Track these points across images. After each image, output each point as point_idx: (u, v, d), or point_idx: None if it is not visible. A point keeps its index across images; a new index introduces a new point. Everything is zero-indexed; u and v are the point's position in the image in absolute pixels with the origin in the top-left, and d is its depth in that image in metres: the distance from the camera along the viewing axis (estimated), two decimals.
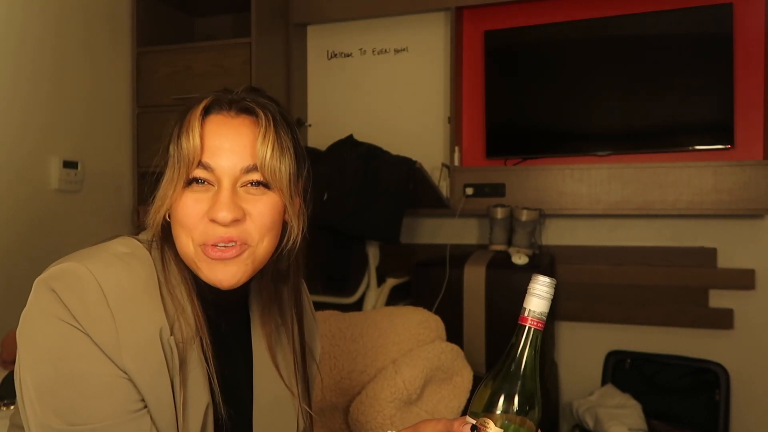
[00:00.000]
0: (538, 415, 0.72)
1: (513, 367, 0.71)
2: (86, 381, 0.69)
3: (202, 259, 0.75)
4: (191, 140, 0.74)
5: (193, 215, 0.75)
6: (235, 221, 0.74)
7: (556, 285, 0.74)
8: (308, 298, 1.02)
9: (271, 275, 0.86)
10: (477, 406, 0.72)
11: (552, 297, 0.74)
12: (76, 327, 0.69)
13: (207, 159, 0.75)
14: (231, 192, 0.75)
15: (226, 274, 0.75)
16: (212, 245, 0.74)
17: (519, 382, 0.71)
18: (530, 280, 0.74)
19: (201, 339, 0.77)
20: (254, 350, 0.88)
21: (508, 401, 0.70)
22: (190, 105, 0.78)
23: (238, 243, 0.75)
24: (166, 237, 0.79)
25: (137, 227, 0.85)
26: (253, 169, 0.76)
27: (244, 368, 0.87)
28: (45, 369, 0.69)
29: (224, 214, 0.73)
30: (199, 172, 0.75)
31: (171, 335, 0.73)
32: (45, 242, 2.19)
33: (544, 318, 0.73)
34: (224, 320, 0.84)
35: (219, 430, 0.80)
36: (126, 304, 0.71)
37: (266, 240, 0.78)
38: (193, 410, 0.76)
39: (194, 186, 0.76)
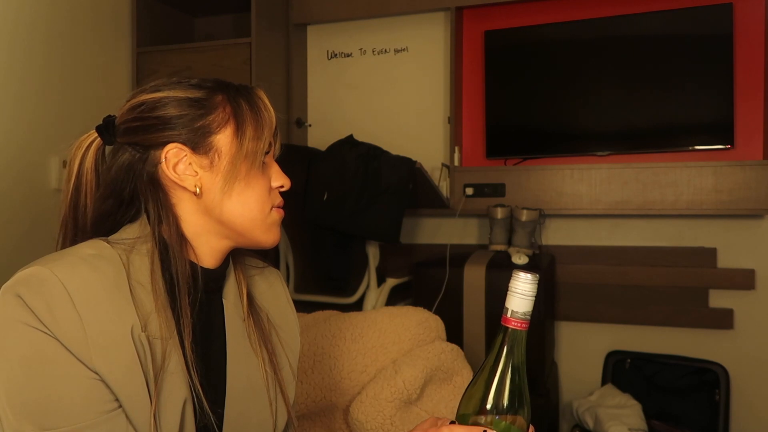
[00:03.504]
0: (528, 413, 0.70)
1: (500, 369, 0.69)
2: (57, 385, 0.69)
3: (276, 220, 0.87)
4: (270, 115, 0.84)
5: (267, 186, 0.85)
6: None
7: (539, 280, 0.69)
8: (284, 286, 1.02)
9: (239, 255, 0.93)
10: (466, 408, 0.71)
11: (535, 294, 0.69)
12: (43, 332, 0.69)
13: (271, 138, 0.86)
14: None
15: (278, 235, 0.88)
16: (279, 207, 0.87)
17: (507, 383, 0.69)
18: (511, 276, 0.69)
19: (181, 332, 0.77)
20: (228, 334, 0.88)
21: (497, 401, 0.69)
22: (238, 89, 0.84)
23: None
24: (166, 222, 0.80)
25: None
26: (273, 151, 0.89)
27: (221, 357, 0.87)
28: (15, 376, 0.69)
29: (289, 184, 0.88)
30: (269, 148, 0.85)
31: (143, 331, 0.73)
32: (45, 242, 2.19)
33: (528, 317, 0.69)
34: (205, 308, 0.85)
35: (198, 423, 0.79)
36: (93, 304, 0.71)
37: None
38: (171, 405, 0.76)
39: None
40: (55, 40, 2.29)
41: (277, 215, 0.86)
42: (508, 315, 0.68)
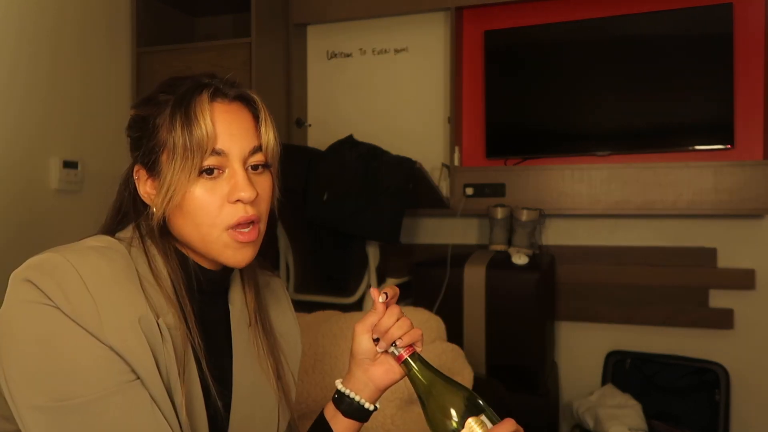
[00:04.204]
0: (470, 393, 0.79)
1: (425, 390, 0.81)
2: (71, 356, 0.68)
3: (229, 243, 0.79)
4: (204, 128, 0.76)
5: (214, 203, 0.78)
6: (254, 200, 0.79)
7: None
8: (286, 296, 1.02)
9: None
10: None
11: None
12: (56, 308, 0.69)
13: (220, 145, 0.78)
14: (245, 172, 0.79)
15: (246, 255, 0.80)
16: (239, 230, 0.79)
17: (438, 394, 0.79)
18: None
19: (189, 329, 0.78)
20: (233, 340, 0.88)
21: (458, 410, 0.77)
22: (183, 92, 0.79)
23: (255, 222, 0.80)
24: (151, 228, 0.81)
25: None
26: (257, 150, 0.81)
27: (227, 358, 0.87)
28: (31, 352, 0.68)
29: (249, 194, 0.77)
30: (211, 160, 0.77)
31: (159, 318, 0.74)
32: (45, 242, 2.18)
33: (406, 345, 0.85)
34: (208, 311, 0.85)
35: (208, 417, 0.80)
36: (105, 289, 0.71)
37: (266, 217, 0.83)
38: (192, 395, 0.77)
39: (204, 176, 0.78)
40: (55, 40, 2.29)
41: (228, 238, 0.78)
42: (397, 353, 0.84)
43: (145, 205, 0.82)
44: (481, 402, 0.78)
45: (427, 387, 0.81)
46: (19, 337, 0.69)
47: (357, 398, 0.91)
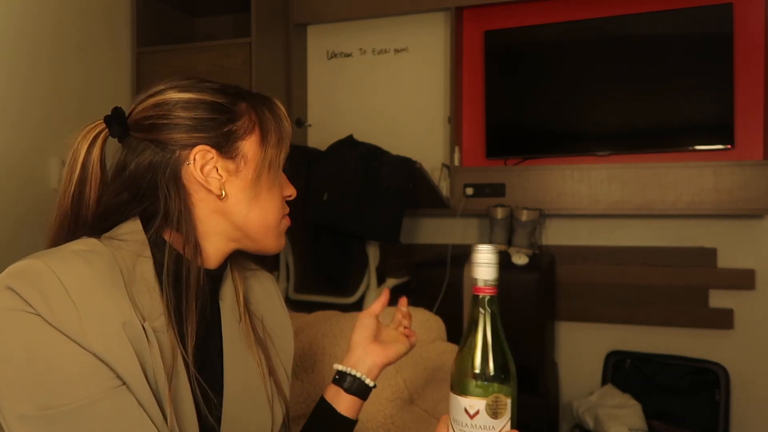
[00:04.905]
0: (514, 373, 0.75)
1: (481, 332, 0.74)
2: (56, 364, 0.67)
3: (282, 228, 0.89)
4: (288, 129, 0.87)
5: (282, 194, 0.88)
6: None
7: (499, 251, 0.80)
8: (277, 290, 1.02)
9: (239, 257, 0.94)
10: (461, 375, 0.74)
11: (497, 263, 0.75)
12: (39, 316, 0.68)
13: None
14: None
15: (284, 242, 0.92)
16: (287, 219, 0.90)
17: (490, 345, 0.74)
18: (473, 251, 0.75)
19: (179, 330, 0.77)
20: (224, 336, 0.87)
21: (485, 365, 0.73)
22: (254, 93, 0.86)
23: None
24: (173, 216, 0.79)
25: None
26: None
27: (217, 355, 0.87)
28: (15, 361, 0.68)
29: (296, 192, 0.91)
30: (285, 156, 0.87)
31: (145, 321, 0.73)
32: (45, 242, 2.19)
33: (496, 283, 0.75)
34: (200, 309, 0.83)
35: (199, 418, 0.79)
36: (88, 294, 0.70)
37: None
38: (180, 401, 0.76)
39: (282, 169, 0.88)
40: (55, 41, 2.29)
41: (287, 223, 0.90)
42: (480, 284, 0.74)
43: (186, 191, 0.80)
44: (508, 395, 0.74)
45: (485, 331, 0.74)
46: (2, 346, 0.68)
47: (358, 374, 0.95)
